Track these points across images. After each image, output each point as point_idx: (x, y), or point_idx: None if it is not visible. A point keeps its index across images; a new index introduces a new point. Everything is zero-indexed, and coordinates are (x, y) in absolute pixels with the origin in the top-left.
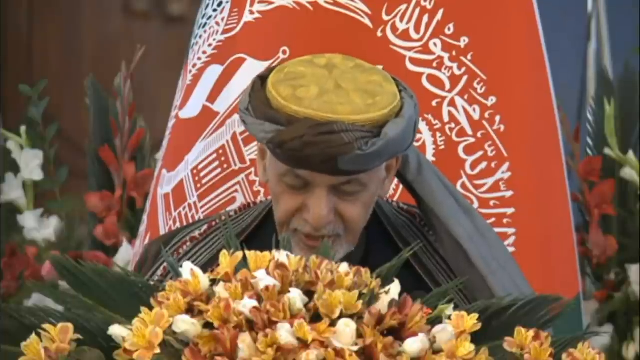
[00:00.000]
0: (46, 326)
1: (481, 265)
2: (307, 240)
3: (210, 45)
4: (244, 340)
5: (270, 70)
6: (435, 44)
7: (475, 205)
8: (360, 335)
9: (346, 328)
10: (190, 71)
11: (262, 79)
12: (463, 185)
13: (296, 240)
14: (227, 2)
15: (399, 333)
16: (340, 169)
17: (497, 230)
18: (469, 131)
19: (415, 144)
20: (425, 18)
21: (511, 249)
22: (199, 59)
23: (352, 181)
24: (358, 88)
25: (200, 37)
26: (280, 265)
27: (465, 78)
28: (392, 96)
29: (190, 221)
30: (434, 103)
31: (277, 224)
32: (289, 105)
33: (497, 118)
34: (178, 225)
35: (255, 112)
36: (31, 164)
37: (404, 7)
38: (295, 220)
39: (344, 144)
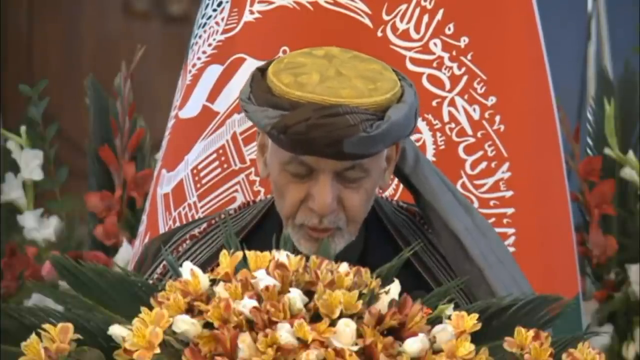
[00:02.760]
0: (46, 326)
1: (479, 258)
2: (312, 232)
3: (210, 45)
4: (244, 340)
5: (268, 63)
6: (435, 44)
7: (475, 205)
8: (360, 335)
9: (346, 328)
10: (190, 71)
11: (261, 70)
12: (463, 185)
13: (301, 234)
14: (227, 2)
15: (399, 333)
16: (345, 153)
17: (497, 230)
18: (469, 131)
19: (412, 140)
20: (425, 18)
21: (511, 249)
22: (199, 58)
23: (356, 166)
24: (359, 75)
25: (200, 37)
26: (280, 265)
27: (465, 78)
28: (392, 82)
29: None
30: (434, 103)
31: (283, 218)
32: (292, 91)
33: (497, 118)
34: (178, 225)
35: (257, 99)
36: (31, 164)
37: (404, 7)
38: (300, 213)
39: (349, 125)
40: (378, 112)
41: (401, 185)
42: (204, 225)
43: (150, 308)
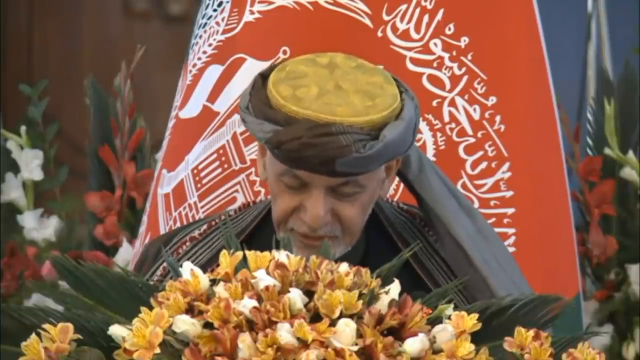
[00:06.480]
0: (46, 326)
1: (482, 266)
2: (303, 239)
3: (210, 45)
4: (244, 340)
5: (271, 68)
6: (435, 44)
7: (476, 205)
8: (360, 335)
9: (346, 328)
10: (191, 71)
11: (263, 77)
12: (463, 185)
13: (293, 239)
14: (227, 2)
15: (399, 333)
16: (338, 171)
17: (497, 230)
18: (469, 131)
19: (416, 144)
20: (426, 18)
21: (511, 249)
22: (199, 59)
23: (350, 182)
24: (358, 89)
25: (200, 37)
26: (280, 265)
27: (465, 78)
28: (392, 98)
29: (191, 221)
30: (434, 103)
31: (274, 222)
32: (288, 105)
33: (497, 118)
34: (178, 225)
35: (254, 111)
36: (31, 164)
37: (404, 7)
38: (292, 219)
39: (342, 146)
40: (373, 130)
41: (401, 185)
42: (204, 226)
43: (150, 308)
